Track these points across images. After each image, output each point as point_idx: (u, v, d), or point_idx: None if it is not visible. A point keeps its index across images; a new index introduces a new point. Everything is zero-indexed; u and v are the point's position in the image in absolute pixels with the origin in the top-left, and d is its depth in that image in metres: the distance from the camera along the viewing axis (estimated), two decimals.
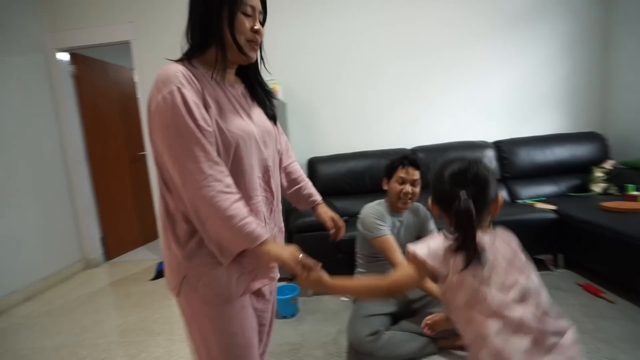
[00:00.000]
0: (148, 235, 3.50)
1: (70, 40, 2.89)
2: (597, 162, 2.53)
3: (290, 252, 0.74)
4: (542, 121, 2.85)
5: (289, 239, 2.30)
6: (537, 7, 2.75)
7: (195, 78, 0.72)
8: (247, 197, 0.77)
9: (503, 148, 2.68)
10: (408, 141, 2.79)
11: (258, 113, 0.85)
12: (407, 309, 1.58)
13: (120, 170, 3.34)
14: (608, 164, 2.46)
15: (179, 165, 0.69)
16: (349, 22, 2.77)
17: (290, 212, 2.42)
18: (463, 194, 0.70)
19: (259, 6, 0.77)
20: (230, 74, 0.83)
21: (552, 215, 2.09)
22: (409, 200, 1.56)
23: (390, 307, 1.55)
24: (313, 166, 2.66)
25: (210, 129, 0.71)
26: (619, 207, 1.92)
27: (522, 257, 0.77)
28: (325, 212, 1.05)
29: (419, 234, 1.67)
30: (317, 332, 1.74)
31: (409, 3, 2.76)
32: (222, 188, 0.69)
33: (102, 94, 3.22)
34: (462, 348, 1.49)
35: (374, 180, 2.57)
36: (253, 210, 0.78)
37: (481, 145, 2.66)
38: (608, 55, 2.78)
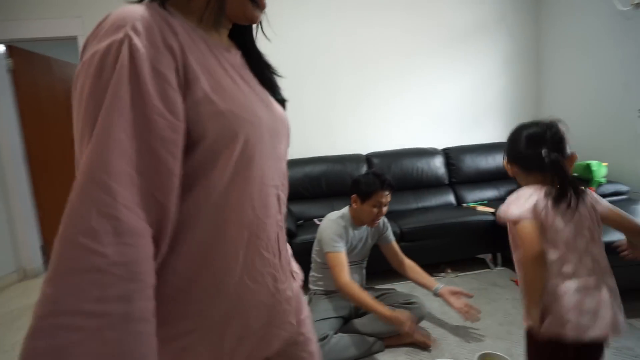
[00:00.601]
0: None
1: (7, 32, 2.67)
2: None
3: None
4: (484, 130, 3.09)
5: None
6: (481, 25, 3.00)
7: (171, 30, 0.43)
8: (257, 226, 0.50)
9: (451, 155, 2.86)
10: (363, 147, 2.89)
11: (263, 93, 0.58)
12: (357, 311, 1.63)
13: (65, 173, 3.13)
14: None
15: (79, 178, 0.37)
16: (307, 30, 2.83)
17: None
18: (545, 152, 0.80)
19: None
20: (223, 35, 0.55)
21: (491, 218, 2.27)
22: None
23: (342, 310, 1.59)
24: None
25: (173, 132, 0.41)
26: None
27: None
28: None
29: (376, 243, 1.74)
30: None
31: (366, 15, 2.89)
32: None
33: (45, 90, 3.01)
34: (407, 345, 1.58)
35: (330, 184, 2.63)
36: (257, 256, 0.50)
37: (431, 152, 2.83)
38: (540, 72, 3.09)
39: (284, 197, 0.59)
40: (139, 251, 0.37)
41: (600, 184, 2.35)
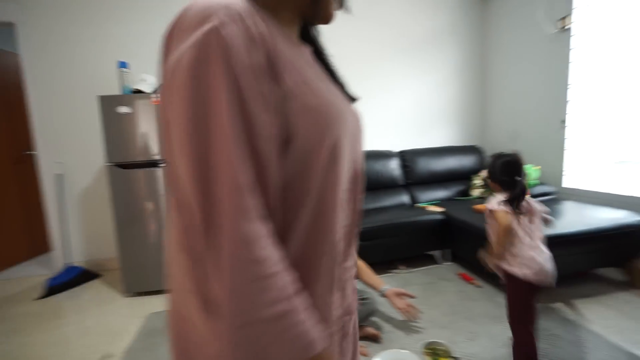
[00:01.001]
0: (37, 247, 3.06)
1: None
2: (477, 171, 3.05)
3: None
4: (437, 134, 3.32)
5: None
6: (434, 36, 3.21)
7: (257, 19, 0.40)
8: (329, 232, 0.47)
9: (406, 157, 3.04)
10: None
11: (337, 89, 0.53)
12: None
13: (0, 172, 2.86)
14: (484, 173, 2.98)
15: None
16: None
17: None
18: (518, 180, 1.32)
19: None
20: (295, 31, 0.52)
21: (440, 217, 2.46)
22: None
23: None
24: None
25: (273, 130, 0.39)
26: (484, 209, 2.34)
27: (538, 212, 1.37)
28: None
29: None
30: None
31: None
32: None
33: None
34: (368, 339, 1.68)
35: None
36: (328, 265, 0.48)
37: (388, 155, 2.98)
38: (485, 81, 3.38)
39: (357, 202, 0.55)
40: (275, 252, 0.38)
41: (532, 186, 2.64)
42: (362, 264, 1.82)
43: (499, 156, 1.43)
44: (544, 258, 1.29)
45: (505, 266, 1.34)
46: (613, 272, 2.19)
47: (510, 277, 1.33)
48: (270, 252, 0.37)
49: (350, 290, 0.54)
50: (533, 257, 1.27)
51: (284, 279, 0.38)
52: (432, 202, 2.82)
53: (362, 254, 2.31)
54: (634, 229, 1.97)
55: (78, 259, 2.75)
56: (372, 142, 3.12)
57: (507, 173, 1.37)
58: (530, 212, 1.35)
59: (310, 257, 0.46)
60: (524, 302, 1.32)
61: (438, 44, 3.22)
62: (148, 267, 2.27)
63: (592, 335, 1.59)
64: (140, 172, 2.20)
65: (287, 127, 0.40)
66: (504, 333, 1.64)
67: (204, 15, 0.36)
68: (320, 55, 0.57)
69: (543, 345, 1.53)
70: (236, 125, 0.36)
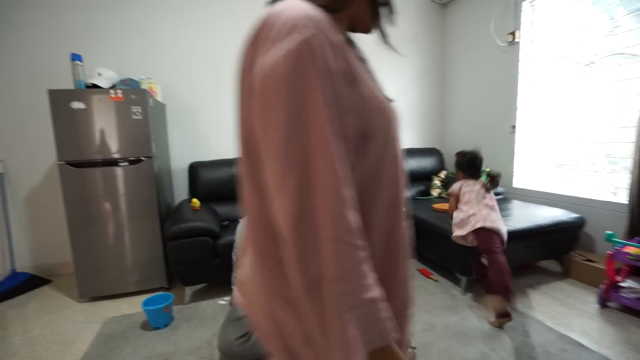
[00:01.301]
0: None
1: None
2: (436, 172, 3.23)
3: None
4: (402, 137, 3.45)
5: (164, 246, 2.21)
6: (396, 43, 3.32)
7: (331, 27, 0.44)
8: (399, 225, 0.52)
9: None
10: None
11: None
12: None
13: None
14: (442, 174, 3.16)
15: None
16: (234, 28, 2.82)
17: (166, 218, 2.32)
18: (479, 170, 2.09)
19: None
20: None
21: None
22: None
23: None
24: (194, 171, 2.60)
25: (356, 130, 0.45)
26: (442, 208, 2.50)
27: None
28: None
29: None
30: (191, 339, 1.73)
31: None
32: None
33: None
34: None
35: None
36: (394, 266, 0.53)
37: None
38: (444, 88, 3.58)
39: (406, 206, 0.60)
40: (365, 241, 0.42)
41: None
42: None
43: (464, 154, 2.10)
44: (490, 216, 1.87)
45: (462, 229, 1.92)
46: (552, 264, 2.42)
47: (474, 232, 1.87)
48: (363, 240, 0.41)
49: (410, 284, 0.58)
50: (476, 214, 1.87)
51: (370, 268, 0.41)
52: None
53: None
54: (570, 226, 2.20)
55: (25, 265, 2.55)
56: None
57: (471, 166, 2.07)
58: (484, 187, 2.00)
59: (389, 246, 0.51)
60: (484, 247, 1.83)
61: (400, 51, 3.36)
62: (105, 270, 2.17)
63: (533, 320, 1.76)
64: (97, 172, 2.09)
65: (366, 126, 0.45)
66: (457, 323, 1.77)
67: (292, 26, 0.39)
68: (359, 59, 0.59)
69: (490, 332, 1.68)
70: (331, 124, 0.39)
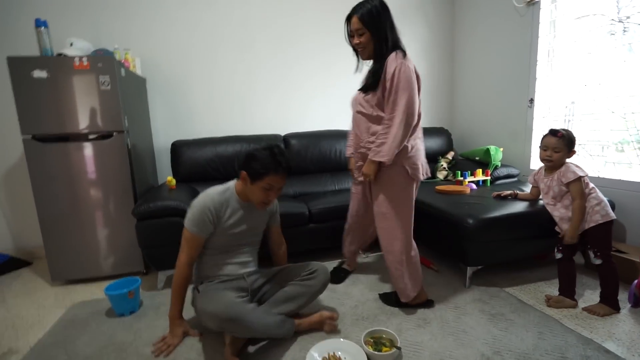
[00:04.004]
0: None
1: None
2: (443, 153, 2.93)
3: None
4: None
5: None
6: (400, 11, 3.02)
7: None
8: None
9: None
10: (280, 127, 2.78)
11: None
12: (253, 296, 1.51)
13: None
14: (450, 155, 2.86)
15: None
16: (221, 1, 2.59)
17: (144, 194, 2.15)
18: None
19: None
20: None
21: None
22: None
23: (241, 291, 1.42)
24: (177, 150, 2.42)
25: None
26: (447, 190, 2.22)
27: None
28: None
29: (266, 222, 1.59)
30: (154, 328, 1.56)
31: None
32: None
33: None
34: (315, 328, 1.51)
35: None
36: None
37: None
38: (454, 61, 3.24)
39: None
40: None
41: (496, 167, 2.53)
42: (284, 251, 1.72)
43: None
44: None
45: None
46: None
47: None
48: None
49: None
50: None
51: None
52: None
53: (317, 237, 2.15)
54: None
55: (8, 247, 2.47)
56: (333, 120, 2.94)
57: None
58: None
59: None
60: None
61: (405, 20, 3.05)
62: (78, 253, 2.04)
63: (548, 320, 1.49)
64: (65, 147, 1.94)
65: None
66: (456, 320, 1.52)
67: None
68: None
69: (494, 331, 1.42)
70: None
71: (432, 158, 2.93)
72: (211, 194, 1.40)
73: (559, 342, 1.34)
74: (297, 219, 2.08)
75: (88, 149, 1.97)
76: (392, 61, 1.39)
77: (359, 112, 1.55)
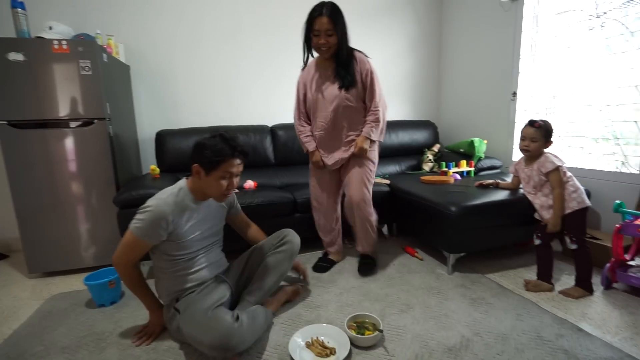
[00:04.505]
0: None
1: None
2: (430, 146, 2.97)
3: None
4: (394, 108, 3.19)
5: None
6: (389, 6, 3.04)
7: None
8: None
9: None
10: (268, 118, 2.76)
11: None
12: (240, 284, 1.51)
13: None
14: (436, 147, 2.90)
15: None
16: None
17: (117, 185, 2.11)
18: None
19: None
20: None
21: (386, 189, 2.34)
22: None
23: (224, 291, 1.37)
24: (161, 139, 2.38)
25: None
26: (432, 180, 2.26)
27: None
28: None
29: (225, 216, 1.50)
30: (136, 317, 1.53)
31: None
32: None
33: None
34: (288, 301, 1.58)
35: None
36: None
37: None
38: (441, 56, 3.28)
39: None
40: None
41: (480, 159, 2.59)
42: (256, 227, 1.68)
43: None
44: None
45: None
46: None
47: None
48: None
49: None
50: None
51: None
52: (380, 176, 2.71)
53: (302, 227, 2.14)
54: None
55: None
56: None
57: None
58: None
59: None
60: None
61: (394, 14, 3.06)
62: (57, 244, 1.98)
63: (526, 302, 1.54)
64: (43, 133, 1.88)
65: None
66: (439, 305, 1.55)
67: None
68: None
69: (475, 314, 1.46)
70: None
71: (419, 151, 2.97)
72: (165, 199, 1.21)
73: (535, 322, 1.38)
74: (283, 209, 2.08)
75: (68, 137, 1.92)
76: (363, 60, 1.72)
77: (346, 106, 1.73)
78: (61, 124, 1.90)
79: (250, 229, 1.66)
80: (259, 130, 2.60)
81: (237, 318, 1.19)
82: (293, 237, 1.56)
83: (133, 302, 1.67)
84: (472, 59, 2.92)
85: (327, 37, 1.56)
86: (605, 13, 1.96)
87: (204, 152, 1.21)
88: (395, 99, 3.20)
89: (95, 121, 1.94)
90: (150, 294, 1.37)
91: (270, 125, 2.69)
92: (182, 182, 1.31)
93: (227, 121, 2.68)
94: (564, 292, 1.60)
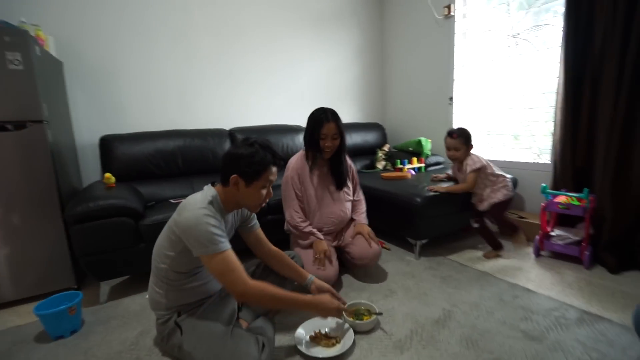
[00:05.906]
0: None
1: None
2: (380, 146, 3.21)
3: None
4: (344, 111, 3.35)
5: (68, 235, 1.75)
6: (337, 15, 3.22)
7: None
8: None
9: None
10: (225, 122, 2.68)
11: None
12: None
13: None
14: (386, 147, 3.15)
15: None
16: None
17: (70, 198, 1.85)
18: None
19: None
20: None
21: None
22: None
23: (233, 303, 1.28)
24: (107, 145, 2.14)
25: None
26: (392, 176, 2.47)
27: None
28: None
29: (238, 230, 1.43)
30: (110, 343, 1.37)
31: None
32: None
33: None
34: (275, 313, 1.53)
35: (188, 161, 2.34)
36: None
37: (295, 129, 2.86)
38: (384, 64, 3.58)
39: None
40: None
41: (427, 156, 2.91)
42: (279, 252, 1.48)
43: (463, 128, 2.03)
44: None
45: None
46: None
47: None
48: None
49: None
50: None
51: None
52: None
53: (269, 228, 2.13)
54: None
55: None
56: (277, 116, 2.97)
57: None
58: None
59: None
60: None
61: (340, 25, 3.25)
62: None
63: (484, 275, 1.80)
64: None
65: None
66: (416, 286, 1.72)
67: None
68: None
69: (448, 290, 1.66)
70: None
71: (371, 151, 3.19)
72: (206, 208, 1.11)
73: (495, 289, 1.64)
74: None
75: (5, 140, 1.60)
76: (350, 162, 1.93)
77: (347, 200, 1.89)
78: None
79: (270, 255, 1.47)
80: (217, 134, 2.51)
81: (263, 347, 1.13)
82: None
83: (100, 328, 1.48)
84: (412, 67, 3.26)
85: (333, 140, 1.70)
86: (519, 34, 2.41)
87: (243, 163, 1.13)
88: (344, 103, 3.38)
89: (28, 124, 1.66)
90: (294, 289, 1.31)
91: (228, 128, 2.61)
92: (212, 191, 1.19)
93: (181, 124, 2.52)
94: (485, 255, 2.03)
